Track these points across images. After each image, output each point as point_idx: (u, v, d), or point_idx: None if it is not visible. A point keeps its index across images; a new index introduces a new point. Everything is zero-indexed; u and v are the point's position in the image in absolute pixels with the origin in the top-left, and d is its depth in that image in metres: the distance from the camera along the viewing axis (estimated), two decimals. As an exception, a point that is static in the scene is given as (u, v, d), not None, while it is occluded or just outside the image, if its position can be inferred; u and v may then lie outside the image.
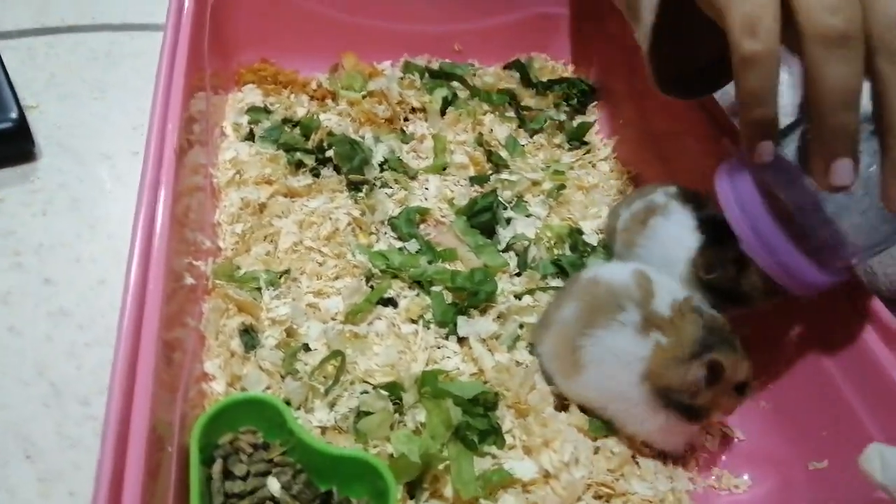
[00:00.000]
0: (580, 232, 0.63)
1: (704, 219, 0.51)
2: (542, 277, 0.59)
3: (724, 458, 0.51)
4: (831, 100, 0.35)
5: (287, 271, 0.54)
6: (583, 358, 0.47)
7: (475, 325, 0.53)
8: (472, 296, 0.54)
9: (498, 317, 0.54)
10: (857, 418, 0.46)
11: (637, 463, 0.48)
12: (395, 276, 0.56)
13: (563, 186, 0.68)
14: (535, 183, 0.68)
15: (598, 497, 0.46)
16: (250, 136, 0.65)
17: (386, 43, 0.77)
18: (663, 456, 0.50)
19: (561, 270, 0.60)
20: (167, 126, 0.50)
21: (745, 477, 0.51)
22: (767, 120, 0.39)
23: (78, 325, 0.52)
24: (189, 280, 0.47)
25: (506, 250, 0.61)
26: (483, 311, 0.55)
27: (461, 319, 0.53)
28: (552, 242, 0.62)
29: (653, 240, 0.54)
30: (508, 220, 0.63)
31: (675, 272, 0.51)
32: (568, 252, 0.62)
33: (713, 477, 0.50)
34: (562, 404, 0.51)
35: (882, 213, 0.40)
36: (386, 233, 0.61)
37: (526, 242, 0.61)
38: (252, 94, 0.70)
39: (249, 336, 0.49)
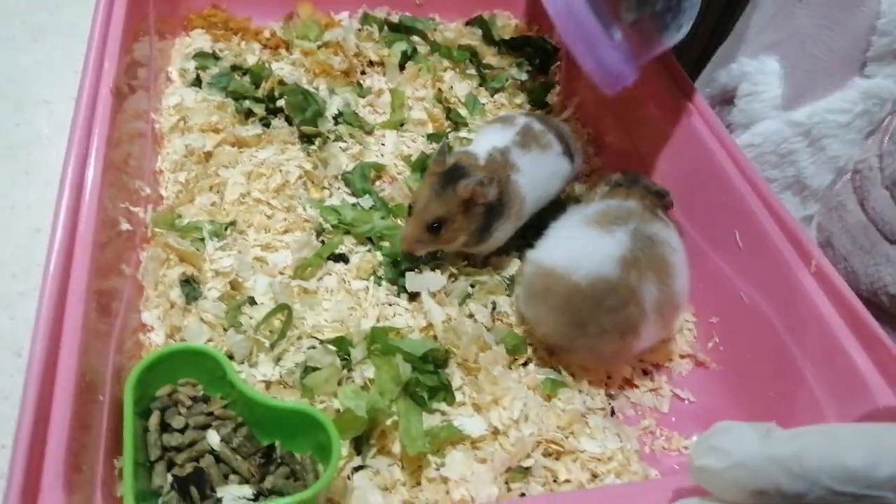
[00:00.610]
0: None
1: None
2: None
3: (673, 419, 0.51)
4: None
5: (233, 223, 0.52)
6: None
7: (424, 280, 0.52)
8: None
9: (450, 276, 0.53)
10: (804, 380, 0.46)
11: (587, 422, 0.48)
12: (346, 232, 0.55)
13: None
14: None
15: (547, 454, 0.45)
16: (197, 83, 0.62)
17: (344, -7, 0.74)
18: (613, 413, 0.50)
19: None
20: (104, 65, 0.48)
21: (695, 438, 0.51)
22: None
23: (12, 275, 0.49)
24: (125, 226, 0.45)
25: None
26: (433, 269, 0.53)
27: (409, 274, 0.52)
28: None
29: None
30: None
31: None
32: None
33: (663, 437, 0.50)
34: (513, 362, 0.50)
35: None
36: (339, 188, 0.59)
37: None
38: (200, 40, 0.67)
39: (191, 287, 0.47)
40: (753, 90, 0.62)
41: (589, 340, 0.48)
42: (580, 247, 0.49)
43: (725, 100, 0.66)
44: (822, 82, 0.57)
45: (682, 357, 0.54)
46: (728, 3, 0.78)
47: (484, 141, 0.56)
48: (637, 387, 0.52)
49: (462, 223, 0.51)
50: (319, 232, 0.54)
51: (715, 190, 0.55)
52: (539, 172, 0.55)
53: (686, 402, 0.52)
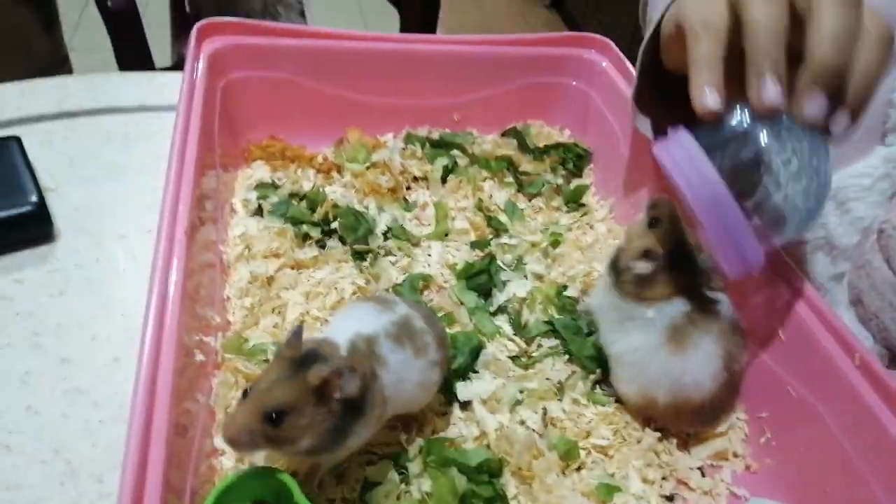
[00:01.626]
0: (565, 289, 0.65)
1: None
2: (533, 338, 0.60)
3: (731, 517, 0.51)
4: (764, 30, 0.42)
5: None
6: None
7: (474, 388, 0.54)
8: (454, 359, 0.55)
9: (495, 377, 0.55)
10: (859, 474, 0.46)
11: (644, 526, 0.48)
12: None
13: (557, 242, 0.69)
14: (534, 245, 0.70)
15: (605, 562, 0.46)
16: (259, 212, 0.67)
17: (388, 116, 0.80)
18: (669, 518, 0.50)
19: (554, 331, 0.61)
20: (179, 206, 0.53)
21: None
22: (714, 80, 0.44)
23: (93, 403, 0.53)
24: (199, 356, 0.49)
25: (498, 312, 0.63)
26: (477, 372, 0.56)
27: (459, 384, 0.54)
28: (542, 303, 0.63)
29: None
30: (505, 283, 0.65)
31: None
32: (556, 314, 0.63)
33: (721, 539, 0.50)
34: (566, 467, 0.51)
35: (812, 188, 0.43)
36: (392, 301, 0.63)
37: (517, 305, 0.62)
38: (260, 170, 0.73)
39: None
40: None
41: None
42: (680, 373, 0.52)
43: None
44: (848, 153, 0.61)
45: (735, 456, 0.55)
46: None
47: (350, 321, 0.47)
48: (693, 489, 0.52)
49: (311, 419, 0.40)
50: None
51: (757, 286, 0.56)
52: (407, 377, 0.47)
53: (742, 499, 0.52)
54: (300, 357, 0.41)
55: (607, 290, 0.56)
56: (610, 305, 0.55)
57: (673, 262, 0.52)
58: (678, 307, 0.51)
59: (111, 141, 0.80)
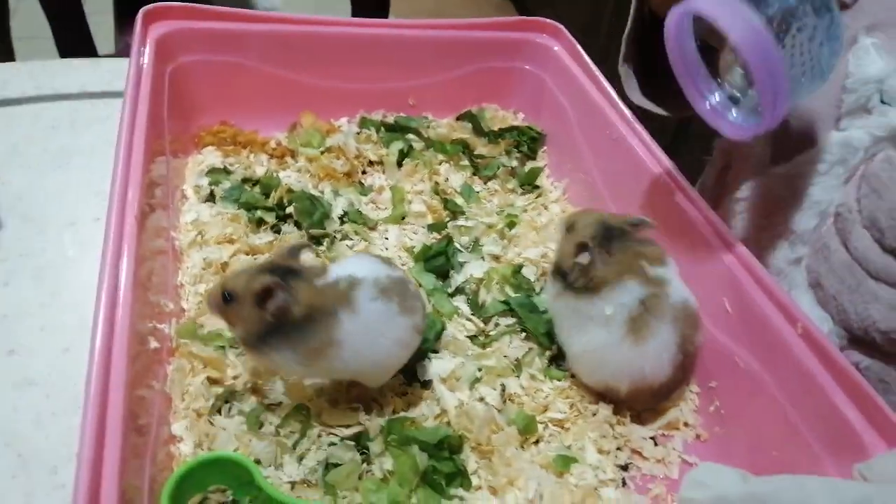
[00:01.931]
0: (520, 270, 0.66)
1: None
2: (490, 317, 0.61)
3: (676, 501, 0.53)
4: None
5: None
6: None
7: (434, 367, 0.54)
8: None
9: (454, 356, 0.56)
10: (802, 437, 0.48)
11: (600, 495, 0.50)
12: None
13: (512, 224, 0.70)
14: (491, 227, 0.70)
15: (563, 531, 0.47)
16: (211, 198, 0.66)
17: (342, 101, 0.80)
18: (625, 484, 0.51)
19: (510, 310, 0.62)
20: (128, 192, 0.52)
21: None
22: None
23: (44, 395, 0.52)
24: (153, 343, 0.48)
25: (456, 293, 0.63)
26: (437, 352, 0.57)
27: (419, 364, 0.55)
28: (498, 283, 0.64)
29: None
30: (462, 264, 0.65)
31: None
32: (512, 293, 0.64)
33: (674, 503, 0.52)
34: (525, 441, 0.52)
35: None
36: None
37: (474, 285, 0.63)
38: (212, 156, 0.72)
39: (217, 397, 0.50)
40: (748, 153, 0.67)
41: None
42: (638, 360, 0.53)
43: (726, 165, 0.71)
44: (804, 139, 0.62)
45: (686, 426, 0.56)
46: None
47: (355, 265, 0.50)
48: (647, 458, 0.54)
49: (248, 314, 0.45)
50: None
51: (704, 261, 0.58)
52: (387, 332, 0.48)
53: (693, 465, 0.54)
54: (281, 266, 0.47)
55: (560, 295, 0.57)
56: (566, 308, 0.57)
57: (608, 245, 0.54)
58: (633, 294, 0.53)
59: (56, 128, 0.77)
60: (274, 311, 0.45)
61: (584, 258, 0.53)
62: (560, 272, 0.56)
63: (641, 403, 0.56)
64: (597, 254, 0.53)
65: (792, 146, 0.62)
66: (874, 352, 0.56)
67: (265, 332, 0.46)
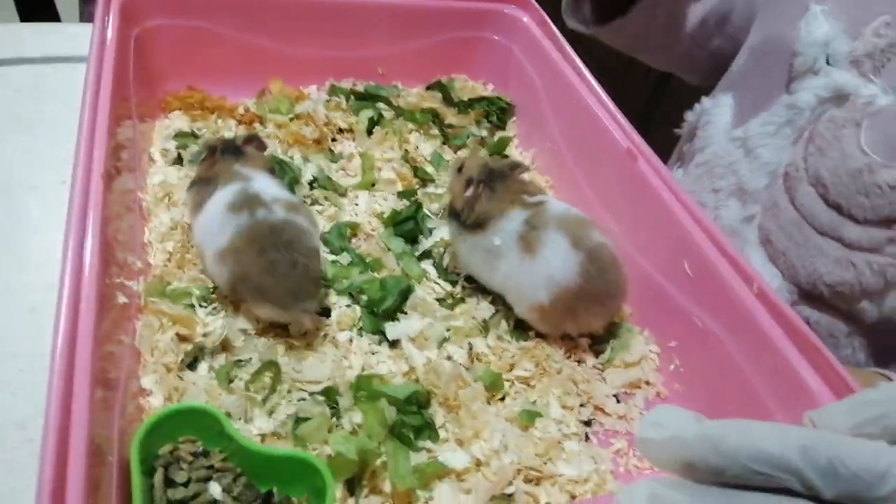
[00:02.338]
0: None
1: None
2: (457, 280, 0.62)
3: (637, 449, 0.55)
4: None
5: (218, 287, 0.55)
6: None
7: (402, 327, 0.55)
8: (384, 300, 0.57)
9: (423, 317, 0.57)
10: (756, 393, 0.50)
11: (563, 448, 0.51)
12: (327, 287, 0.59)
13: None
14: (460, 194, 0.71)
15: (527, 480, 0.49)
16: (179, 161, 0.66)
17: (312, 68, 0.80)
18: (587, 439, 0.53)
19: None
20: (94, 153, 0.51)
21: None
22: None
23: (12, 354, 0.52)
24: (122, 299, 0.48)
25: (424, 257, 0.64)
26: (405, 313, 0.58)
27: (388, 325, 0.56)
28: None
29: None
30: (432, 230, 0.66)
31: None
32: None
33: (635, 458, 0.54)
34: (491, 397, 0.54)
35: None
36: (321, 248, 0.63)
37: (442, 249, 0.64)
38: (179, 121, 0.71)
39: (186, 353, 0.50)
40: (709, 120, 0.71)
41: (615, 305, 0.58)
42: (544, 271, 0.55)
43: (690, 135, 0.74)
44: (759, 104, 0.66)
45: (647, 384, 0.58)
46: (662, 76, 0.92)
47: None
48: (609, 414, 0.56)
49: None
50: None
51: (664, 226, 0.60)
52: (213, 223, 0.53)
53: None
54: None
55: (459, 237, 0.60)
56: (469, 253, 0.59)
57: (491, 183, 0.58)
58: (517, 219, 0.57)
59: (19, 92, 0.76)
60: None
61: (471, 190, 0.58)
62: (453, 213, 0.60)
63: (589, 317, 0.57)
64: (482, 190, 0.58)
65: (748, 111, 0.65)
66: (822, 306, 0.59)
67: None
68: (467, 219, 0.58)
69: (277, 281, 0.50)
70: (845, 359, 0.64)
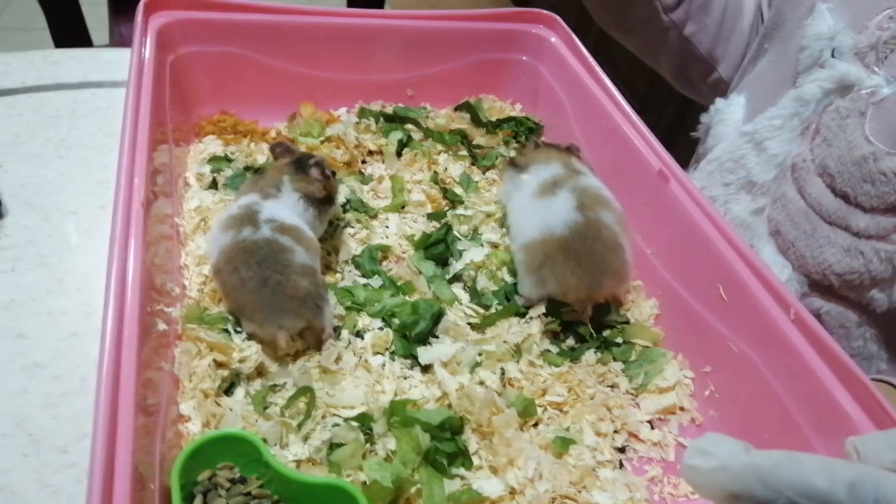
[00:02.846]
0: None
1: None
2: (489, 305, 0.63)
3: (679, 467, 0.54)
4: None
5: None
6: None
7: (434, 352, 0.56)
8: (416, 325, 0.57)
9: (454, 342, 0.58)
10: (793, 421, 0.50)
11: (597, 475, 0.51)
12: (359, 311, 0.59)
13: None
14: (489, 215, 0.71)
15: (562, 509, 0.48)
16: (214, 185, 0.67)
17: (341, 92, 0.81)
18: (622, 466, 0.53)
19: (508, 298, 0.63)
20: (134, 180, 0.52)
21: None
22: None
23: (53, 377, 0.53)
24: (161, 326, 0.49)
25: (455, 280, 0.65)
26: (437, 337, 0.58)
27: (420, 349, 0.56)
28: (496, 268, 0.66)
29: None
30: (462, 252, 0.67)
31: None
32: (510, 279, 0.65)
33: (670, 485, 0.53)
34: (524, 424, 0.53)
35: None
36: (350, 271, 0.64)
37: (473, 272, 0.65)
38: (213, 145, 0.72)
39: (223, 379, 0.51)
40: (722, 119, 0.74)
41: (593, 276, 0.58)
42: (545, 215, 0.60)
43: (706, 134, 0.76)
44: (767, 100, 0.68)
45: (682, 410, 0.58)
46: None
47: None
48: (643, 441, 0.55)
49: None
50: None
51: (697, 249, 0.59)
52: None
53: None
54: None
55: (507, 178, 0.69)
56: (507, 182, 0.69)
57: (542, 141, 0.73)
58: (549, 170, 0.64)
59: (57, 117, 0.78)
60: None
61: (531, 144, 0.71)
62: (512, 163, 0.69)
63: (567, 274, 0.58)
64: (535, 144, 0.71)
65: (757, 107, 0.68)
66: (832, 296, 0.60)
67: None
68: (518, 159, 0.68)
69: (249, 298, 0.53)
70: (857, 350, 0.64)
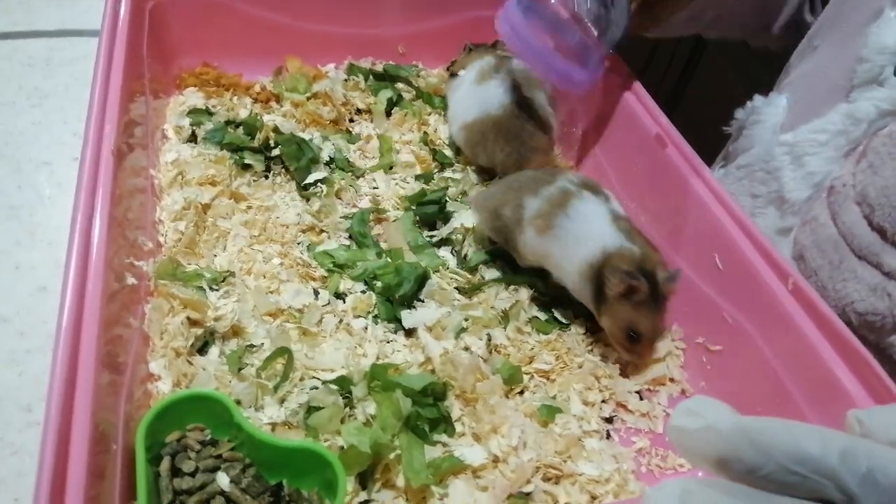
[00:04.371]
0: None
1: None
2: (475, 268, 0.60)
3: (667, 438, 0.53)
4: None
5: (231, 273, 0.54)
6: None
7: (419, 315, 0.54)
8: (400, 286, 0.55)
9: (440, 306, 0.55)
10: (788, 393, 0.48)
11: (584, 445, 0.49)
12: (341, 273, 0.57)
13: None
14: (482, 182, 0.69)
15: (546, 479, 0.47)
16: (193, 139, 0.64)
17: (330, 46, 0.77)
18: (609, 436, 0.51)
19: (492, 259, 0.61)
20: (104, 129, 0.50)
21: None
22: None
23: (18, 333, 0.51)
24: (131, 280, 0.46)
25: (443, 243, 0.62)
26: (422, 301, 0.56)
27: (405, 312, 0.54)
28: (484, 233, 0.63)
29: (571, 221, 0.56)
30: (452, 214, 0.64)
31: (588, 247, 0.55)
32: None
33: (658, 457, 0.52)
34: (510, 391, 0.52)
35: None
36: (338, 232, 0.61)
37: (461, 236, 0.62)
38: (193, 98, 0.69)
39: (195, 336, 0.49)
40: (758, 120, 0.66)
41: (527, 143, 0.66)
42: (484, 98, 0.67)
43: (738, 133, 0.70)
44: (815, 109, 0.60)
45: (672, 381, 0.56)
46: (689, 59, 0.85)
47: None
48: (631, 411, 0.54)
49: None
50: (313, 278, 0.56)
51: (694, 216, 0.57)
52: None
53: (679, 420, 0.54)
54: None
55: (449, 89, 0.75)
56: (450, 92, 0.74)
57: (474, 46, 0.76)
58: (485, 62, 0.70)
59: (32, 65, 0.75)
60: None
61: (463, 51, 0.76)
62: (451, 74, 0.75)
63: (496, 149, 0.66)
64: (466, 50, 0.76)
65: (801, 115, 0.61)
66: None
67: None
68: (454, 67, 0.74)
69: None
70: None
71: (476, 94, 0.68)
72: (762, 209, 0.63)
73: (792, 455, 0.25)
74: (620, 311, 0.53)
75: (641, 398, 0.55)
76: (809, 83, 0.63)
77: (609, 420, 0.53)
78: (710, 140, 0.75)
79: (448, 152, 0.72)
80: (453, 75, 0.73)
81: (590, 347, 0.57)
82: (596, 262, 0.54)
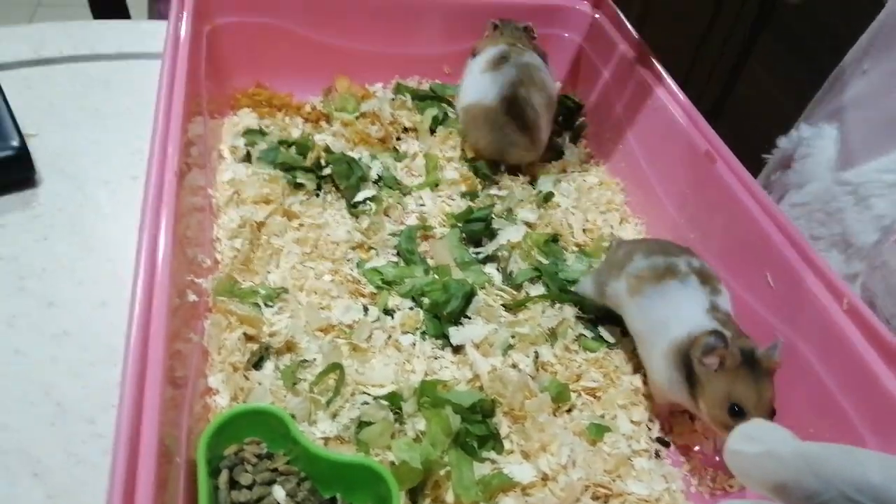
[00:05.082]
0: (555, 240, 0.65)
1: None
2: (520, 285, 0.61)
3: (717, 458, 0.52)
4: None
5: (285, 289, 0.55)
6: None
7: (466, 332, 0.54)
8: (448, 304, 0.56)
9: (486, 323, 0.56)
10: (845, 415, 0.47)
11: (633, 464, 0.49)
12: (389, 290, 0.58)
13: (551, 195, 0.69)
14: (525, 197, 0.69)
15: (595, 498, 0.47)
16: (247, 158, 0.66)
17: (377, 66, 0.79)
18: (659, 456, 0.51)
19: (539, 277, 0.62)
20: (168, 150, 0.52)
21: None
22: None
23: (81, 346, 0.53)
24: (191, 297, 0.48)
25: (489, 259, 0.63)
26: (469, 317, 0.56)
27: (452, 329, 0.54)
28: (530, 249, 0.64)
29: (663, 299, 0.52)
30: (497, 231, 0.65)
31: (665, 334, 0.51)
32: (543, 260, 0.63)
33: (708, 477, 0.51)
34: (557, 409, 0.52)
35: None
36: (386, 249, 0.62)
37: (506, 253, 0.63)
38: (247, 118, 0.71)
39: (252, 353, 0.50)
40: (809, 153, 0.63)
41: (508, 137, 0.69)
42: (483, 86, 0.70)
43: (784, 164, 0.67)
44: (875, 144, 0.57)
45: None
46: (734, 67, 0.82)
47: None
48: (680, 431, 0.53)
49: None
50: (363, 294, 0.57)
51: (744, 234, 0.57)
52: None
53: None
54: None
55: (467, 69, 0.75)
56: (467, 71, 0.74)
57: (498, 26, 0.76)
58: (499, 50, 0.72)
59: (92, 87, 0.78)
60: None
61: (489, 27, 0.76)
62: (472, 52, 0.76)
63: (478, 137, 0.70)
64: (490, 31, 0.76)
65: (864, 151, 0.57)
66: None
67: None
68: (476, 46, 0.75)
69: None
70: None
71: (479, 81, 0.70)
72: (825, 252, 0.60)
73: (853, 483, 0.24)
74: (716, 386, 0.47)
75: (691, 418, 0.54)
76: (863, 113, 0.59)
77: (665, 443, 0.52)
78: (751, 155, 0.74)
79: (487, 170, 0.72)
80: (474, 55, 0.75)
81: (637, 366, 0.56)
82: (683, 346, 0.49)
